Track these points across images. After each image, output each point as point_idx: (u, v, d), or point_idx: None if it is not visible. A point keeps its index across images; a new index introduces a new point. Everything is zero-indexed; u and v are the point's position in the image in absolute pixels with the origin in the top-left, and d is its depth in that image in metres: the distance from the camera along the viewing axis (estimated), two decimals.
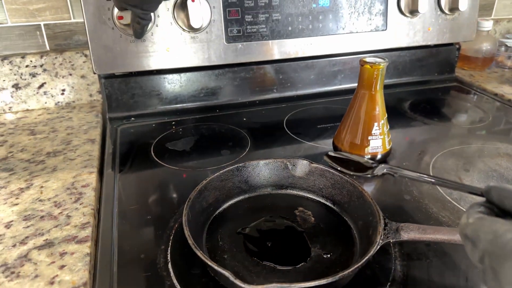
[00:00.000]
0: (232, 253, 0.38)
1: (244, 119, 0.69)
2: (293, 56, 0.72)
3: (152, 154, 0.57)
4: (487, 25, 0.87)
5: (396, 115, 0.70)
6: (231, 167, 0.44)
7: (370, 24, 0.74)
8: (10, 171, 0.52)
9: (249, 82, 0.74)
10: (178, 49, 0.65)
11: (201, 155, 0.58)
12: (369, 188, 0.49)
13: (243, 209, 0.44)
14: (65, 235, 0.40)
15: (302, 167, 0.45)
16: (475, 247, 0.23)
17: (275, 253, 0.37)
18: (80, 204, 0.45)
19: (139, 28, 0.57)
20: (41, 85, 0.72)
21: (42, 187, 0.49)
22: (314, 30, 0.71)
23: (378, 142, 0.51)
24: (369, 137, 0.51)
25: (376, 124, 0.51)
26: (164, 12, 0.62)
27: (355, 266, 0.31)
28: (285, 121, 0.68)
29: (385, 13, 0.74)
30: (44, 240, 0.40)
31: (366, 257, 0.32)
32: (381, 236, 0.34)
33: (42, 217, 0.43)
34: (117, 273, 0.36)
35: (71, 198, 0.46)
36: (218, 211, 0.43)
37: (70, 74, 0.73)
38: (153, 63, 0.65)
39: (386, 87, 0.52)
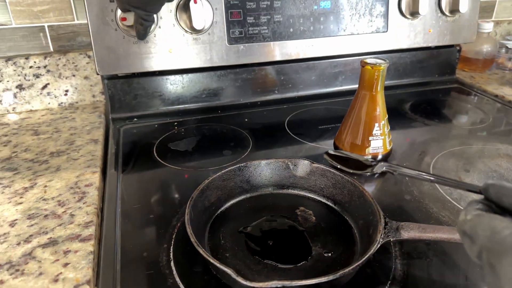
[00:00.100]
0: (234, 252, 0.38)
1: (246, 119, 0.70)
2: (294, 57, 0.72)
3: (155, 154, 0.58)
4: (488, 26, 0.87)
5: (397, 116, 0.71)
6: (233, 167, 0.45)
7: (371, 25, 0.74)
8: (14, 171, 0.53)
9: (251, 83, 0.75)
10: (180, 50, 0.66)
11: (203, 155, 0.58)
12: (369, 188, 0.49)
13: (245, 209, 0.44)
14: (68, 234, 0.41)
15: (303, 167, 0.46)
16: (473, 243, 0.24)
17: (277, 251, 0.38)
18: (84, 203, 0.46)
19: (142, 30, 0.57)
20: (45, 86, 0.73)
21: (46, 186, 0.49)
22: (316, 31, 0.71)
23: (379, 143, 0.52)
24: (370, 138, 0.51)
25: (377, 124, 0.51)
26: (166, 14, 0.63)
27: (356, 264, 0.31)
28: (287, 122, 0.69)
29: (386, 15, 0.74)
30: (48, 239, 0.40)
31: (367, 256, 0.32)
32: (381, 235, 0.34)
33: (46, 216, 0.44)
34: (120, 271, 0.37)
35: (74, 197, 0.47)
36: (220, 210, 0.44)
37: (74, 75, 0.73)
38: (155, 64, 0.65)
39: (387, 88, 0.52)
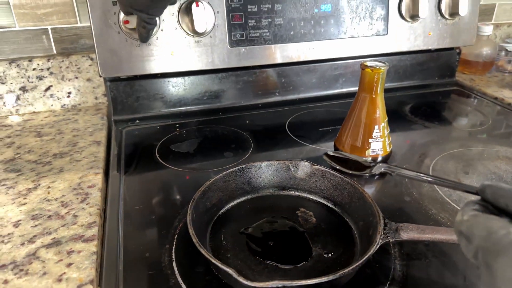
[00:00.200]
0: (235, 252, 0.38)
1: (247, 122, 0.70)
2: (295, 60, 0.73)
3: (157, 155, 0.58)
4: (487, 29, 0.87)
5: (397, 118, 0.71)
6: (234, 169, 0.45)
7: (371, 28, 0.75)
8: (17, 172, 0.53)
9: (252, 85, 0.76)
10: (182, 53, 0.66)
11: (205, 157, 0.59)
12: (369, 190, 0.50)
13: (246, 210, 0.45)
14: (72, 234, 0.41)
15: (303, 168, 0.46)
16: (470, 243, 0.24)
17: (277, 252, 0.38)
18: (87, 204, 0.46)
19: (145, 33, 0.58)
20: (48, 88, 0.73)
21: (49, 187, 0.50)
22: (316, 34, 0.72)
23: (378, 145, 0.52)
24: (370, 140, 0.52)
25: (376, 126, 0.51)
26: (169, 17, 0.63)
27: (356, 265, 0.32)
28: (287, 124, 0.69)
29: (386, 18, 0.75)
30: (51, 239, 0.41)
31: (366, 256, 0.32)
32: (380, 236, 0.35)
33: (49, 216, 0.44)
34: (122, 271, 0.37)
35: (77, 198, 0.47)
36: (221, 211, 0.44)
37: (76, 77, 0.74)
38: (157, 67, 0.66)
39: (387, 90, 0.53)
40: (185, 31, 0.65)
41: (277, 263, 0.37)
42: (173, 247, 0.40)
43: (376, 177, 0.52)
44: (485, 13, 1.01)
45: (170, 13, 0.63)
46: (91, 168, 0.54)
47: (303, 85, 0.78)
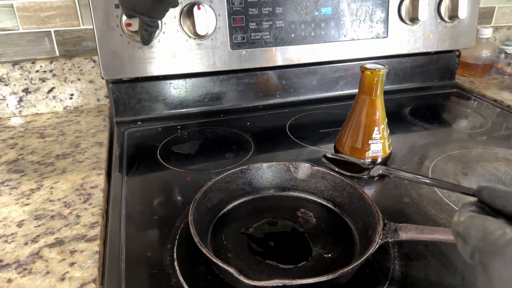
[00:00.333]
0: (236, 252, 0.39)
1: (248, 123, 0.71)
2: (296, 62, 0.73)
3: (158, 157, 0.59)
4: (487, 32, 0.88)
5: (397, 120, 0.71)
6: (235, 170, 0.46)
7: (371, 31, 0.76)
8: (21, 173, 0.54)
9: (253, 87, 0.76)
10: (184, 55, 0.67)
11: (206, 158, 0.59)
12: (369, 191, 0.50)
13: (247, 210, 0.45)
14: (74, 234, 0.42)
15: (304, 169, 0.47)
16: (466, 244, 0.24)
17: (278, 252, 0.39)
18: (89, 205, 0.47)
19: (147, 35, 0.59)
20: (51, 90, 0.74)
21: (52, 188, 0.50)
22: (317, 37, 0.73)
23: (378, 146, 0.52)
24: (370, 141, 0.52)
25: (376, 128, 0.52)
26: (170, 20, 0.64)
27: (355, 264, 0.32)
28: (288, 125, 0.70)
29: (386, 21, 0.76)
30: (54, 239, 0.41)
31: (365, 256, 0.33)
32: (380, 236, 0.35)
33: (52, 216, 0.45)
34: (125, 270, 0.38)
35: (80, 199, 0.48)
36: (222, 212, 0.45)
37: (79, 79, 0.75)
38: (159, 69, 0.67)
39: (387, 93, 0.53)
40: (186, 33, 0.65)
41: (277, 263, 0.37)
42: (175, 247, 0.40)
43: (376, 178, 0.52)
44: (485, 16, 1.01)
45: (172, 16, 0.64)
46: (94, 169, 0.55)
47: (303, 87, 0.79)
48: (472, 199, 0.29)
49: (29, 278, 0.36)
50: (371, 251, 0.34)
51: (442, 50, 0.82)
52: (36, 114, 0.75)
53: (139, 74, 0.67)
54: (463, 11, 0.76)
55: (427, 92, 0.86)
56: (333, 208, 0.45)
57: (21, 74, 0.71)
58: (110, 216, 0.46)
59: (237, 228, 0.42)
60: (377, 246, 0.35)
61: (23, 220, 0.44)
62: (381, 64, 0.51)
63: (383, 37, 0.76)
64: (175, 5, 0.55)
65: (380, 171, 0.44)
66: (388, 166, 0.46)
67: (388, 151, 0.54)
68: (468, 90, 0.87)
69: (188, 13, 0.64)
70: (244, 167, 0.46)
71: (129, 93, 0.70)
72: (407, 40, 0.78)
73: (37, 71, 0.72)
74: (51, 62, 0.72)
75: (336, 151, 0.56)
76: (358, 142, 0.53)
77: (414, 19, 0.76)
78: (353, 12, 0.73)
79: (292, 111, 0.76)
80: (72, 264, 0.38)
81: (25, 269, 0.37)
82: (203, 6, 0.63)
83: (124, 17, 0.61)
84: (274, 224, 0.43)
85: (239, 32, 0.68)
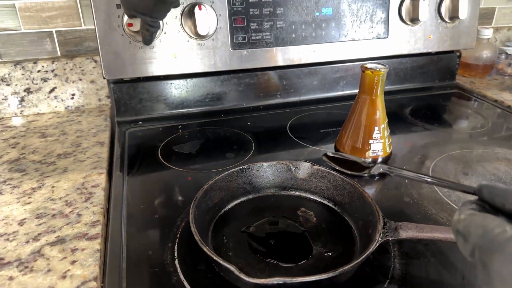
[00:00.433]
0: (237, 251, 0.39)
1: (249, 123, 0.71)
2: (296, 62, 0.74)
3: (159, 156, 0.59)
4: (487, 33, 0.88)
5: (398, 120, 0.72)
6: (236, 169, 0.46)
7: (372, 32, 0.76)
8: (22, 172, 0.54)
9: (254, 87, 0.76)
10: (185, 55, 0.67)
11: (207, 157, 0.59)
12: (370, 190, 0.50)
13: (247, 209, 0.45)
14: (76, 232, 0.42)
15: (304, 169, 0.47)
16: (466, 241, 0.24)
17: (278, 251, 0.39)
18: (90, 203, 0.47)
19: (148, 35, 0.59)
20: (52, 90, 0.74)
21: (53, 187, 0.50)
22: (317, 37, 0.73)
23: (378, 146, 0.53)
24: (370, 141, 0.52)
25: (376, 128, 0.52)
26: (172, 20, 0.64)
27: (355, 262, 0.32)
28: (289, 125, 0.70)
29: (386, 21, 0.76)
30: (56, 237, 0.41)
31: (366, 254, 0.33)
32: (380, 234, 0.35)
33: (53, 215, 0.45)
34: (126, 268, 0.38)
35: (81, 198, 0.48)
36: (223, 211, 0.45)
37: (80, 79, 0.75)
38: (160, 69, 0.67)
39: (387, 93, 0.53)
40: (187, 34, 0.66)
41: (278, 261, 0.37)
42: (176, 246, 0.40)
43: (376, 178, 0.52)
44: (485, 16, 1.01)
45: (173, 16, 0.64)
46: (95, 168, 0.55)
47: (304, 88, 0.79)
48: (473, 197, 0.29)
49: (30, 276, 0.36)
50: (371, 249, 0.34)
51: (443, 50, 0.82)
52: (38, 114, 0.75)
53: (140, 74, 0.67)
54: (464, 12, 0.76)
55: (428, 92, 0.86)
56: (334, 207, 0.45)
57: (22, 74, 0.72)
58: (111, 215, 0.46)
59: (238, 227, 0.42)
60: (377, 244, 0.35)
61: (25, 218, 0.44)
62: (382, 64, 0.51)
63: (384, 38, 0.77)
64: (176, 5, 0.56)
65: (381, 170, 0.44)
66: (388, 165, 0.46)
67: (388, 151, 0.54)
68: (469, 91, 0.87)
69: (189, 13, 0.64)
70: (245, 166, 0.47)
71: (130, 93, 0.70)
72: (408, 40, 0.78)
73: (38, 71, 0.72)
74: (52, 62, 0.72)
75: (337, 150, 0.56)
76: (358, 142, 0.53)
77: (414, 20, 0.76)
78: (354, 13, 0.73)
79: (292, 111, 0.76)
80: (73, 262, 0.38)
81: (26, 267, 0.37)
82: (204, 6, 0.63)
83: (126, 17, 0.61)
84: (275, 223, 0.43)
85: (240, 32, 0.68)
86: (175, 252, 0.39)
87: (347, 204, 0.44)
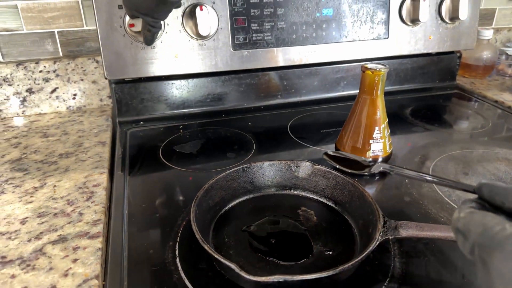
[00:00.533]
0: (238, 250, 0.39)
1: (249, 123, 0.71)
2: (297, 63, 0.74)
3: (161, 156, 0.59)
4: (488, 34, 0.88)
5: (398, 121, 0.72)
6: (237, 168, 0.46)
7: (372, 32, 0.76)
8: (24, 171, 0.54)
9: (255, 88, 0.77)
10: (186, 55, 0.67)
11: (208, 157, 0.59)
12: (370, 190, 0.50)
13: (248, 208, 0.46)
14: (77, 231, 0.42)
15: (305, 168, 0.47)
16: (466, 239, 0.25)
17: (279, 250, 0.39)
18: (92, 203, 0.47)
19: (150, 36, 0.59)
20: (54, 90, 0.75)
21: (55, 186, 0.51)
22: (318, 38, 0.73)
23: (379, 146, 0.53)
24: (370, 141, 0.52)
25: (377, 128, 0.52)
26: (173, 20, 0.65)
27: (355, 260, 0.32)
28: (289, 126, 0.70)
29: (387, 22, 0.76)
30: (58, 236, 0.42)
31: (366, 252, 0.33)
32: (380, 233, 0.35)
33: (55, 214, 0.45)
34: (127, 266, 0.38)
35: (83, 197, 0.48)
36: (224, 210, 0.45)
37: (82, 80, 0.75)
38: (162, 69, 0.67)
39: (388, 93, 0.53)
40: (189, 34, 0.66)
41: (278, 260, 0.37)
42: (177, 244, 0.40)
43: (377, 177, 0.53)
44: (486, 17, 1.02)
45: (174, 17, 0.64)
46: (96, 168, 0.55)
47: (305, 88, 0.79)
48: (472, 196, 0.29)
49: (32, 274, 0.37)
50: (371, 247, 0.34)
51: (443, 51, 0.83)
52: (40, 114, 0.75)
53: (141, 74, 0.67)
54: (464, 13, 0.76)
55: (428, 93, 0.86)
56: (334, 206, 0.45)
57: (24, 74, 0.72)
58: (112, 214, 0.46)
59: (239, 226, 0.42)
60: (377, 243, 0.35)
61: (27, 217, 0.45)
62: (382, 64, 0.51)
63: (384, 38, 0.77)
64: (178, 5, 0.56)
65: (381, 168, 0.44)
66: (388, 163, 0.46)
67: (388, 151, 0.54)
68: (469, 91, 0.87)
69: (190, 14, 0.64)
70: (246, 165, 0.47)
71: (131, 93, 0.70)
72: (408, 41, 0.79)
73: (40, 71, 0.73)
74: (54, 63, 0.73)
75: (337, 150, 0.56)
76: (359, 142, 0.53)
77: (415, 20, 0.76)
78: (354, 13, 0.74)
79: (293, 112, 0.76)
80: (75, 260, 0.38)
81: (28, 265, 0.38)
82: (206, 7, 0.63)
83: (127, 18, 0.62)
84: (275, 222, 0.43)
85: (241, 33, 0.68)
86: (176, 251, 0.39)
87: (347, 203, 0.44)
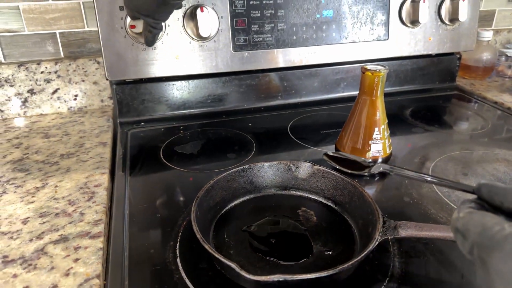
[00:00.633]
0: (238, 249, 0.39)
1: (250, 124, 0.71)
2: (297, 64, 0.74)
3: (161, 157, 0.60)
4: (487, 35, 0.89)
5: (398, 122, 0.72)
6: (237, 168, 0.46)
7: (372, 34, 0.76)
8: (26, 172, 0.55)
9: (255, 89, 0.77)
10: (187, 57, 0.68)
11: (208, 158, 0.60)
12: (370, 190, 0.51)
13: (248, 209, 0.46)
14: (79, 231, 0.42)
15: (305, 169, 0.47)
16: (465, 239, 0.25)
17: (279, 250, 0.39)
18: (93, 203, 0.47)
19: (151, 37, 0.59)
20: (55, 91, 0.75)
21: (56, 186, 0.51)
22: (318, 39, 0.73)
23: (378, 146, 0.53)
24: (370, 142, 0.53)
25: (376, 129, 0.52)
26: (174, 22, 0.65)
27: (355, 260, 0.33)
28: (289, 126, 0.70)
29: (386, 23, 0.76)
30: (59, 235, 0.42)
31: (365, 252, 0.33)
32: (379, 233, 0.36)
33: (57, 214, 0.45)
34: (128, 266, 0.38)
35: (84, 197, 0.49)
36: (224, 210, 0.45)
37: (83, 80, 0.76)
38: (162, 70, 0.68)
39: (388, 95, 0.54)
40: (189, 35, 0.66)
41: (278, 260, 0.38)
42: (177, 244, 0.41)
43: (376, 178, 0.53)
44: (485, 19, 1.02)
45: (175, 18, 0.65)
46: (97, 168, 0.55)
47: (305, 89, 0.80)
48: (472, 196, 0.29)
49: (34, 274, 0.37)
50: (370, 247, 0.34)
51: (443, 52, 0.83)
52: (41, 114, 0.76)
53: (142, 75, 0.67)
54: (464, 14, 0.76)
55: (428, 94, 0.86)
56: (334, 206, 0.46)
57: (26, 75, 0.72)
58: (113, 214, 0.46)
59: (239, 226, 0.43)
60: (377, 242, 0.35)
61: (28, 217, 0.45)
62: (382, 65, 0.52)
63: (384, 40, 0.77)
64: (178, 7, 0.56)
65: (381, 169, 0.44)
66: (387, 164, 0.46)
67: (388, 151, 0.55)
68: (469, 93, 0.87)
69: (191, 15, 0.65)
70: (246, 166, 0.47)
71: (132, 94, 0.71)
72: (408, 42, 0.79)
73: (42, 72, 0.73)
74: (56, 64, 0.73)
75: (337, 151, 0.57)
76: (358, 143, 0.53)
77: (414, 22, 0.76)
78: (354, 15, 0.74)
79: (293, 113, 0.76)
80: (76, 260, 0.38)
81: (30, 265, 0.38)
82: (206, 8, 0.64)
83: (128, 19, 0.62)
84: (276, 222, 0.43)
85: (241, 34, 0.69)
86: (177, 251, 0.40)
87: (347, 203, 0.44)
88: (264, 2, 0.68)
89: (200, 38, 0.66)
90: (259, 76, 0.76)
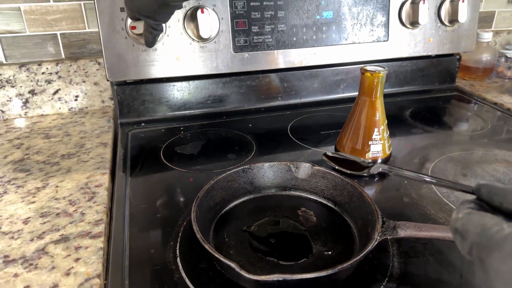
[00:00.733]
0: (238, 249, 0.40)
1: (250, 125, 0.72)
2: (297, 65, 0.74)
3: (162, 157, 0.60)
4: (487, 36, 0.89)
5: (398, 123, 0.72)
6: (237, 169, 0.47)
7: (372, 35, 0.77)
8: (26, 172, 0.55)
9: (255, 90, 0.77)
10: (187, 58, 0.68)
11: (208, 158, 0.60)
12: (369, 191, 0.51)
13: (248, 209, 0.46)
14: (79, 231, 0.43)
15: (304, 169, 0.48)
16: (465, 239, 0.25)
17: (279, 250, 0.39)
18: (94, 203, 0.48)
19: (151, 38, 0.59)
20: (56, 92, 0.75)
21: (57, 186, 0.51)
22: (318, 40, 0.74)
23: (378, 147, 0.53)
24: (370, 142, 0.53)
25: (376, 129, 0.53)
26: (174, 23, 0.65)
27: (354, 260, 0.33)
28: (289, 127, 0.70)
29: (386, 25, 0.77)
30: (60, 235, 0.42)
31: (364, 252, 0.34)
32: (379, 233, 0.36)
33: (57, 214, 0.46)
34: (128, 266, 0.38)
35: (85, 197, 0.49)
36: (224, 210, 0.45)
37: (84, 81, 0.76)
38: (163, 71, 0.68)
39: (388, 96, 0.54)
40: (190, 36, 0.67)
41: (278, 259, 0.38)
42: (178, 244, 0.41)
43: (376, 178, 0.53)
44: (485, 20, 1.02)
45: (176, 19, 0.65)
46: (98, 169, 0.55)
47: (305, 90, 0.80)
48: (471, 197, 0.29)
49: (35, 273, 0.37)
50: (370, 247, 0.34)
51: (443, 53, 0.83)
52: (42, 115, 0.76)
53: (143, 76, 0.68)
54: (463, 15, 0.77)
55: (428, 95, 0.87)
56: (333, 207, 0.46)
57: (27, 76, 0.73)
58: (114, 214, 0.47)
59: (239, 226, 0.43)
60: (376, 243, 0.35)
61: (29, 217, 0.45)
62: (381, 67, 0.52)
63: (384, 41, 0.77)
64: (179, 8, 0.56)
65: (380, 169, 0.44)
66: (387, 164, 0.46)
67: (388, 152, 0.55)
68: (469, 94, 0.87)
69: (191, 17, 0.65)
70: (246, 166, 0.47)
71: (133, 95, 0.71)
72: (408, 43, 0.79)
73: (43, 73, 0.73)
74: (57, 64, 0.74)
75: (337, 151, 0.57)
76: (358, 143, 0.53)
77: (414, 23, 0.76)
78: (354, 16, 0.74)
79: (293, 113, 0.76)
80: (77, 259, 0.39)
81: (31, 264, 0.38)
82: (207, 9, 0.64)
83: (129, 20, 0.62)
84: (275, 222, 0.44)
85: (241, 35, 0.69)
86: (177, 251, 0.40)
87: (346, 204, 0.44)
88: (265, 3, 0.68)
89: (201, 39, 0.67)
90: (259, 77, 0.77)
